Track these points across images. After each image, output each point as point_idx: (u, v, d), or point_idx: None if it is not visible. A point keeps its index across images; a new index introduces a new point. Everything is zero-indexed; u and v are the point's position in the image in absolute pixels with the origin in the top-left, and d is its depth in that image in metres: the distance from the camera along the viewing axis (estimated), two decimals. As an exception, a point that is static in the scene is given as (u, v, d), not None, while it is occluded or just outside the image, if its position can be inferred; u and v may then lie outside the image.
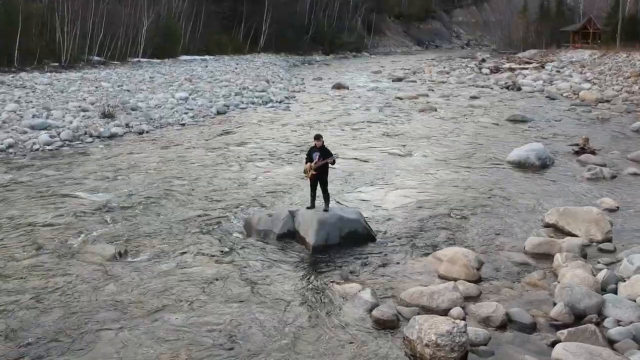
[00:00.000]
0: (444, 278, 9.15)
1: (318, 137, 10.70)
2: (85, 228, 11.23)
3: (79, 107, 24.24)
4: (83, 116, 22.75)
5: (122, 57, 54.14)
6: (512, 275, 9.41)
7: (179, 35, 63.83)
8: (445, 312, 7.93)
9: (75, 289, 8.61)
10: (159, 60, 56.72)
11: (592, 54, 62.86)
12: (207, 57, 64.94)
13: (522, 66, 61.02)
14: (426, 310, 8.04)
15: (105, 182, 14.63)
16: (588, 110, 29.29)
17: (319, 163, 10.54)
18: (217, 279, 9.04)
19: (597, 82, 42.80)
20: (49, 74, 37.67)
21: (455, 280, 8.92)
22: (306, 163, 10.79)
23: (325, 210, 10.74)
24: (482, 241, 10.84)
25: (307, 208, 10.91)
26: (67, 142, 19.22)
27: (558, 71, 54.37)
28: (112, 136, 20.64)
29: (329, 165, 10.67)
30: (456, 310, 7.88)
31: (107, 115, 22.74)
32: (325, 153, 10.62)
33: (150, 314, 7.89)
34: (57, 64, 46.17)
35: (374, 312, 7.88)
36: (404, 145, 19.85)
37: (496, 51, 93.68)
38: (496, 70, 57.45)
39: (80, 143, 19.44)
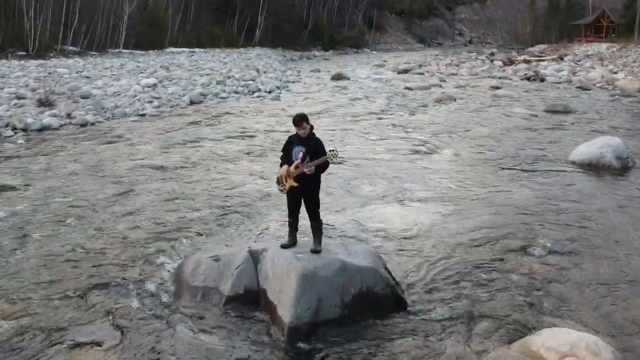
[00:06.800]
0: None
1: (300, 121, 5.76)
2: None
3: (14, 93, 19.39)
4: (15, 105, 17.91)
5: (101, 48, 49.35)
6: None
7: (166, 25, 58.93)
8: None
9: None
10: (142, 52, 51.82)
11: (609, 47, 59.07)
12: (197, 49, 59.95)
13: (537, 58, 56.43)
14: None
15: (-9, 194, 9.78)
16: (637, 100, 24.48)
17: (304, 167, 5.71)
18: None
19: (627, 74, 38.20)
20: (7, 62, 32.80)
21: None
22: (281, 166, 5.94)
23: (315, 250, 5.88)
24: (602, 309, 5.98)
25: (283, 246, 6.03)
26: (-25, 137, 14.41)
27: (576, 64, 49.89)
28: (44, 129, 15.78)
29: (321, 170, 5.80)
30: None
31: (44, 104, 17.89)
32: (314, 149, 5.77)
33: None
34: (24, 53, 41.40)
35: None
36: (425, 142, 14.97)
37: (502, 47, 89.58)
38: (510, 62, 52.74)
39: (-6, 138, 14.61)
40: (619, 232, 8.20)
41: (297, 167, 5.75)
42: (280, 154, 6.04)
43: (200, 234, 7.98)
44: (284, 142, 6.09)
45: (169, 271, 6.65)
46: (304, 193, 5.86)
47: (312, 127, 5.85)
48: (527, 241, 7.73)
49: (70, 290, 6.25)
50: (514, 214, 8.93)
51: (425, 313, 5.83)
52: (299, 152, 5.75)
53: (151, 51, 53.06)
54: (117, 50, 51.23)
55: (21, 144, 14.16)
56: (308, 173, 5.61)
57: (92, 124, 16.83)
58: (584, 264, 7.07)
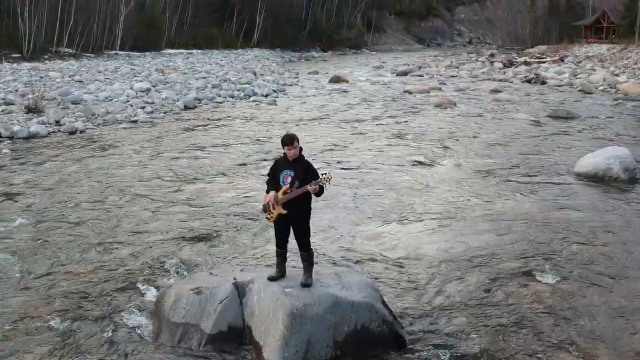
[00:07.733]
0: None
1: (289, 141, 5.27)
2: None
3: (3, 99, 18.90)
4: (2, 111, 17.43)
5: (97, 50, 48.79)
6: None
7: (163, 26, 58.40)
8: None
9: None
10: (139, 54, 51.30)
11: (610, 48, 58.49)
12: (194, 51, 59.43)
13: (537, 60, 55.93)
14: None
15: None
16: (641, 105, 24.02)
17: (293, 194, 5.21)
18: None
19: (630, 76, 37.71)
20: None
21: None
22: (267, 192, 5.44)
23: (305, 284, 5.38)
24: (619, 344, 5.48)
25: (271, 278, 5.53)
26: (-42, 146, 13.91)
27: (577, 66, 49.41)
28: (31, 137, 15.29)
29: (312, 195, 5.30)
30: None
31: (33, 110, 17.38)
32: (305, 173, 5.28)
33: None
34: (19, 55, 40.83)
35: None
36: (425, 151, 14.47)
37: (502, 48, 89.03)
38: (510, 64, 52.26)
39: (-22, 147, 14.09)
40: (633, 253, 7.70)
41: (285, 193, 5.26)
42: (266, 177, 5.55)
43: (185, 257, 7.47)
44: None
45: (149, 303, 6.15)
46: (293, 221, 5.36)
47: (301, 149, 5.37)
48: (535, 265, 7.21)
49: (37, 324, 5.75)
50: (519, 234, 8.42)
51: (427, 352, 5.33)
52: (287, 177, 5.26)
53: (148, 53, 52.55)
54: (114, 52, 50.73)
55: (6, 153, 13.66)
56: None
57: (82, 131, 16.33)
58: (598, 290, 6.57)
